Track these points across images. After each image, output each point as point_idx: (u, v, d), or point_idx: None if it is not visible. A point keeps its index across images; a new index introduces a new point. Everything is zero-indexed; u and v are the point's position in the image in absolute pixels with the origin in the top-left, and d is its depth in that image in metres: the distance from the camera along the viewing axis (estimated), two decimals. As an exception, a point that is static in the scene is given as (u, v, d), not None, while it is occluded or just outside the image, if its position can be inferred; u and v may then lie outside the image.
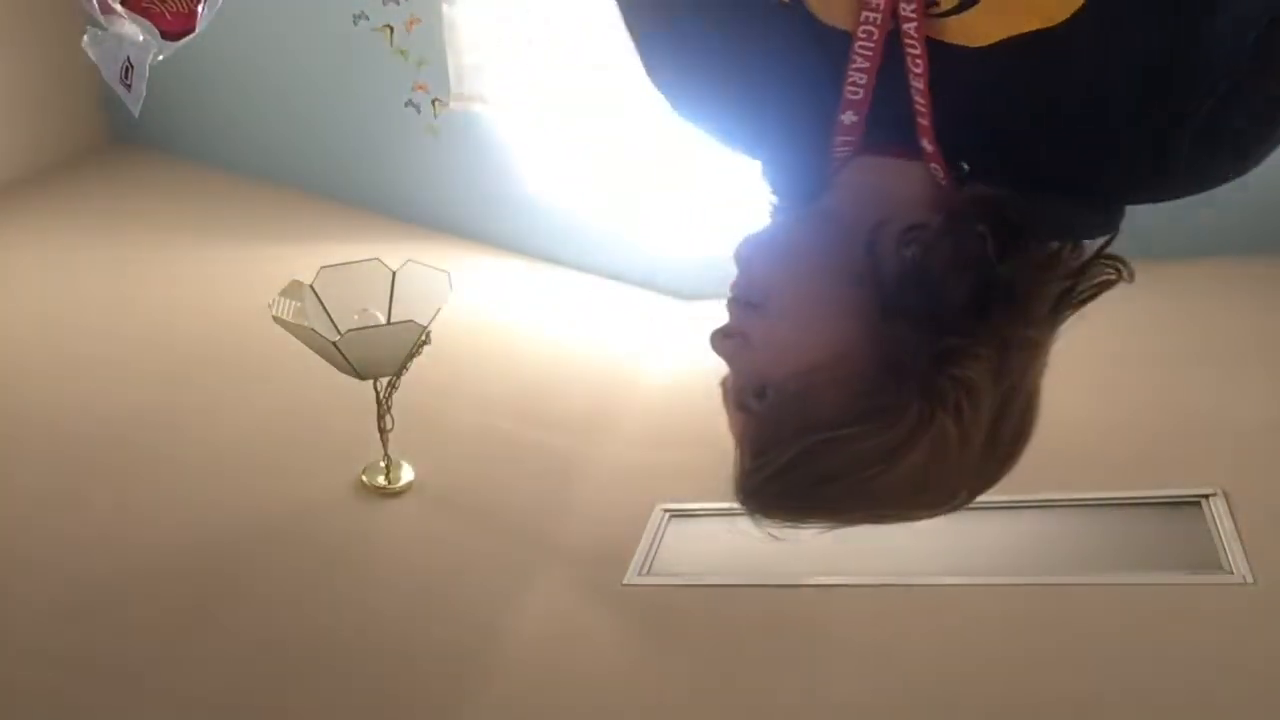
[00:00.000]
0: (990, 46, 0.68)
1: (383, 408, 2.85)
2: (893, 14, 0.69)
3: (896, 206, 0.73)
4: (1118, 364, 3.18)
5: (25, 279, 3.68)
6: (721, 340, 0.76)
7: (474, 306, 3.53)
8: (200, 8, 0.91)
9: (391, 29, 3.89)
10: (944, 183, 0.73)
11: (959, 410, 0.68)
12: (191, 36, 0.93)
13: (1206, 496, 2.58)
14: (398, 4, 3.89)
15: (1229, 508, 2.54)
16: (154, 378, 3.23)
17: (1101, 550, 2.59)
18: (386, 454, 2.91)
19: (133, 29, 0.89)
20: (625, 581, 2.70)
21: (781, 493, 0.74)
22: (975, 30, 0.68)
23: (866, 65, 0.72)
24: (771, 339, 0.73)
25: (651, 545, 2.79)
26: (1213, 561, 2.44)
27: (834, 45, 0.73)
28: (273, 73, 4.28)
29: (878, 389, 0.69)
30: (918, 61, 0.70)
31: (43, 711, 2.24)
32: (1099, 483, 2.70)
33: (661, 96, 0.85)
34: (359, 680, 2.41)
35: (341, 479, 2.95)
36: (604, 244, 4.08)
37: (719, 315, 0.78)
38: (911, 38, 0.69)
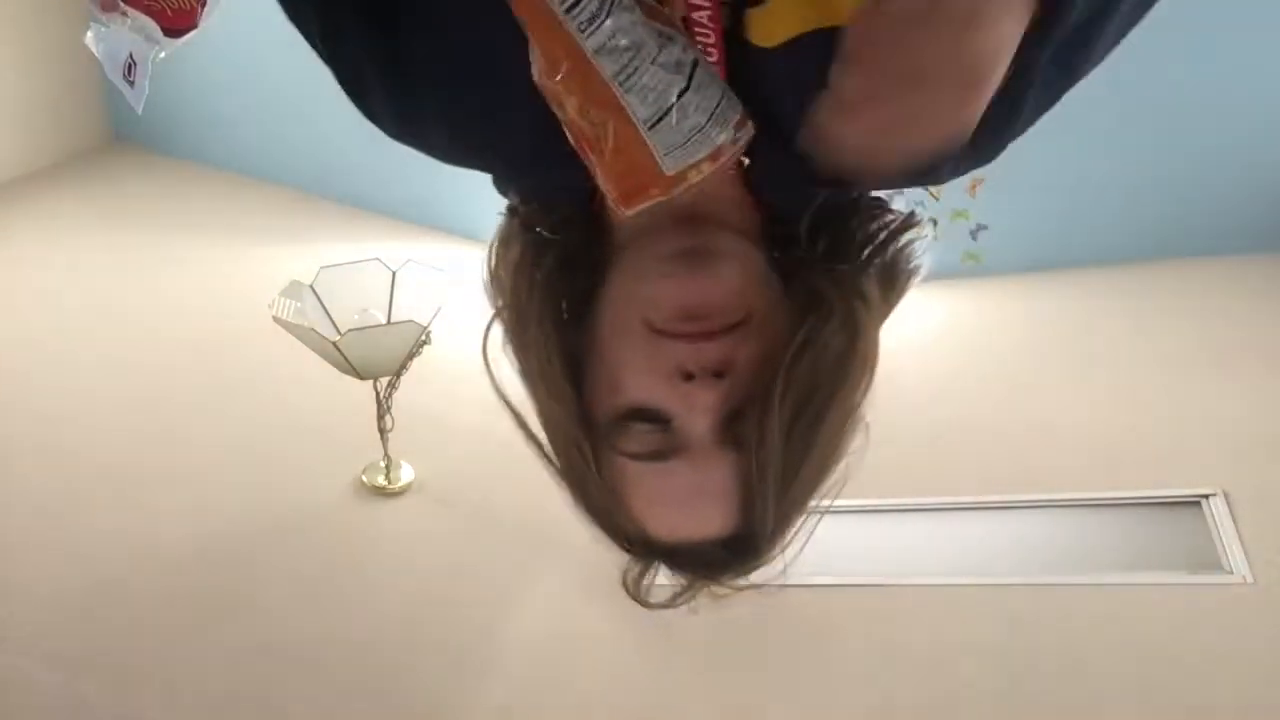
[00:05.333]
0: (779, 46, 0.67)
1: (383, 408, 2.85)
2: (683, 4, 0.67)
3: (705, 196, 0.71)
4: (1118, 365, 3.19)
5: (26, 278, 3.68)
6: (712, 388, 0.68)
7: (474, 306, 3.53)
8: (201, 5, 0.92)
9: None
10: (731, 171, 0.72)
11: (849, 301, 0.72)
12: (193, 33, 0.93)
13: (1206, 496, 2.58)
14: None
15: (1229, 508, 2.54)
16: (154, 377, 3.23)
17: (1101, 550, 2.59)
18: (386, 454, 2.91)
19: (135, 26, 0.89)
20: (625, 581, 2.69)
21: (792, 454, 0.70)
22: (764, 30, 0.67)
23: None
24: (762, 349, 0.69)
25: (651, 545, 2.78)
26: (1213, 561, 2.44)
27: None
28: (273, 73, 4.28)
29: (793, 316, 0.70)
30: (710, 51, 0.67)
31: (43, 711, 2.24)
32: (1099, 483, 2.70)
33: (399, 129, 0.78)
34: (359, 680, 2.41)
35: (341, 479, 2.95)
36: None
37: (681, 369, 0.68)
38: (705, 27, 0.66)
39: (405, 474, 2.96)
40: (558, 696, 2.44)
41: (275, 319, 2.68)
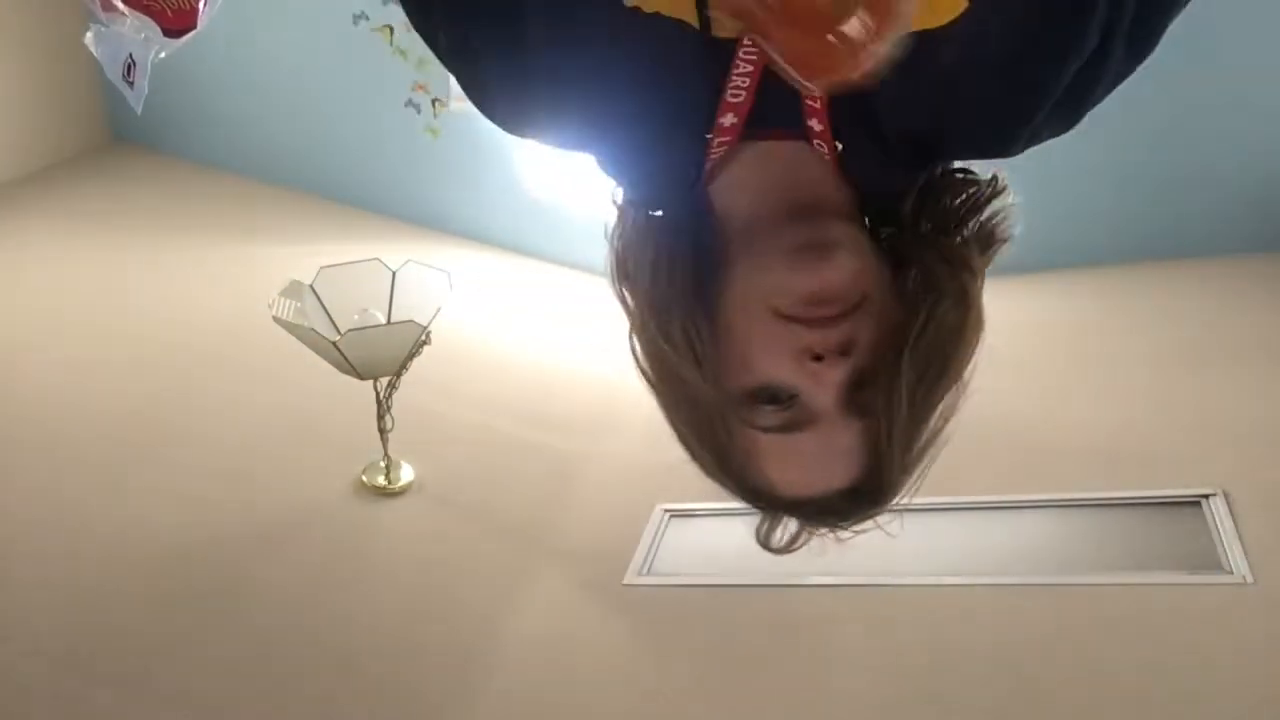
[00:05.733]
0: None
1: (383, 408, 2.85)
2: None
3: (810, 185, 0.79)
4: (1118, 364, 3.19)
5: (25, 278, 3.68)
6: (838, 366, 0.74)
7: (474, 306, 3.53)
8: (201, 5, 0.92)
9: (391, 29, 3.89)
10: (829, 158, 0.78)
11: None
12: (193, 34, 0.93)
13: (1206, 496, 2.58)
14: (398, 4, 3.89)
15: (1229, 508, 2.54)
16: (154, 377, 3.23)
17: (1101, 550, 2.59)
18: (386, 454, 2.91)
19: (135, 27, 0.89)
20: (625, 581, 2.70)
21: (915, 415, 0.77)
22: None
23: (751, 69, 0.75)
24: (878, 323, 0.75)
25: (651, 545, 2.79)
26: (1213, 561, 2.44)
27: (692, 45, 0.75)
28: (273, 73, 4.28)
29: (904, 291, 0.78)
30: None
31: (43, 711, 2.24)
32: (1099, 483, 2.70)
33: (501, 116, 0.82)
34: (359, 679, 2.41)
35: (341, 479, 2.95)
36: (604, 243, 4.09)
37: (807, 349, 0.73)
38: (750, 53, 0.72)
39: (405, 474, 2.96)
40: (558, 696, 2.44)
41: (275, 319, 2.68)
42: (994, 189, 0.82)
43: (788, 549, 0.88)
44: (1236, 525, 2.49)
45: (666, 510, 2.86)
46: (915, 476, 0.82)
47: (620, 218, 0.86)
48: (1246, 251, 3.51)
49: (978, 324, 0.80)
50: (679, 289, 0.80)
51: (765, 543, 0.88)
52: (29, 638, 2.38)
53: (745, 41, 0.74)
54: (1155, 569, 2.49)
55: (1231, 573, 2.39)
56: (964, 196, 0.81)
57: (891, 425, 0.76)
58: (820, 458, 0.79)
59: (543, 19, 0.75)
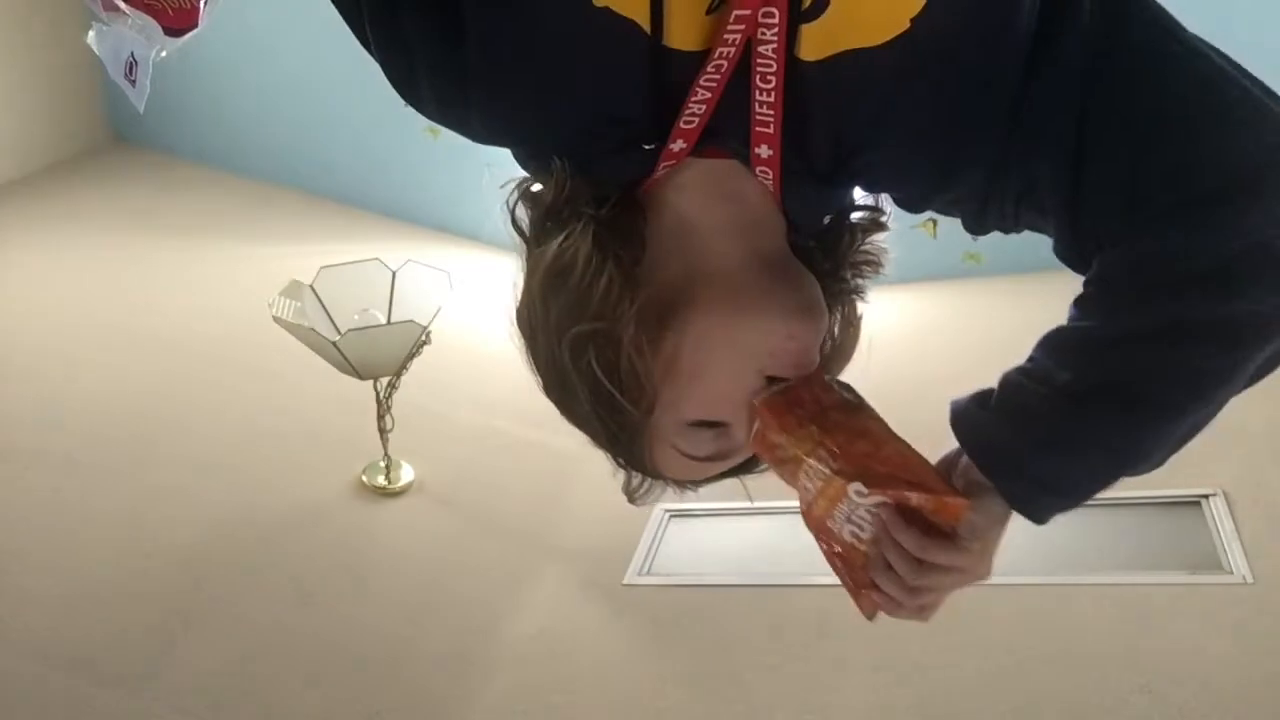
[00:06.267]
0: (821, 60, 0.72)
1: (383, 408, 2.85)
2: (747, 38, 0.71)
3: (752, 203, 0.79)
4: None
5: (26, 278, 3.68)
6: None
7: (474, 306, 3.53)
8: (202, 4, 0.92)
9: (392, 29, 3.88)
10: (771, 185, 0.78)
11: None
12: (194, 33, 0.93)
13: (1206, 496, 2.58)
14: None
15: (1229, 508, 2.54)
16: (154, 377, 3.23)
17: (1101, 550, 2.59)
18: (386, 454, 2.91)
19: (136, 25, 0.89)
20: (625, 581, 2.70)
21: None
22: (811, 47, 0.71)
23: (709, 96, 0.73)
24: None
25: (651, 545, 2.79)
26: (1213, 561, 2.44)
27: (640, 52, 0.72)
28: (273, 73, 4.28)
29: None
30: (769, 78, 0.72)
31: (43, 710, 2.24)
32: (1099, 483, 2.70)
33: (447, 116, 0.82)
34: (359, 679, 2.41)
35: (341, 479, 2.95)
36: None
37: None
38: (768, 58, 0.71)
39: (405, 474, 2.96)
40: (558, 696, 2.44)
41: (275, 319, 2.68)
42: (875, 220, 0.85)
43: (644, 498, 0.93)
44: (1236, 525, 2.49)
45: (666, 510, 2.86)
46: None
47: (536, 200, 0.82)
48: (1246, 252, 3.51)
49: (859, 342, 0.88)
50: (618, 290, 0.76)
51: (629, 494, 0.93)
52: (30, 637, 2.38)
53: (708, 69, 0.72)
54: (1155, 569, 2.49)
55: (1231, 573, 2.39)
56: (854, 226, 0.84)
57: None
58: (718, 466, 0.84)
59: (485, 6, 0.72)
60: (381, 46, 0.78)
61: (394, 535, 2.85)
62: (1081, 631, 2.36)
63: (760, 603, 2.59)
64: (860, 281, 0.86)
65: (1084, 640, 2.33)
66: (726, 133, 0.76)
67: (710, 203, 0.79)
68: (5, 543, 2.60)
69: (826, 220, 0.83)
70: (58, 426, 2.99)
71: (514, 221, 0.83)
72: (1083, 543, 2.62)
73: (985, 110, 0.71)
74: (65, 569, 2.55)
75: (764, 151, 0.75)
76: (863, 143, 0.76)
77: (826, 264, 0.83)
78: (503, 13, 0.72)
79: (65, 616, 2.44)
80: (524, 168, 0.84)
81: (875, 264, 0.85)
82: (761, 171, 0.77)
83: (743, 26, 0.70)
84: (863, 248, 0.84)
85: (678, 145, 0.76)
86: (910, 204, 0.80)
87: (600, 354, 0.76)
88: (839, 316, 0.84)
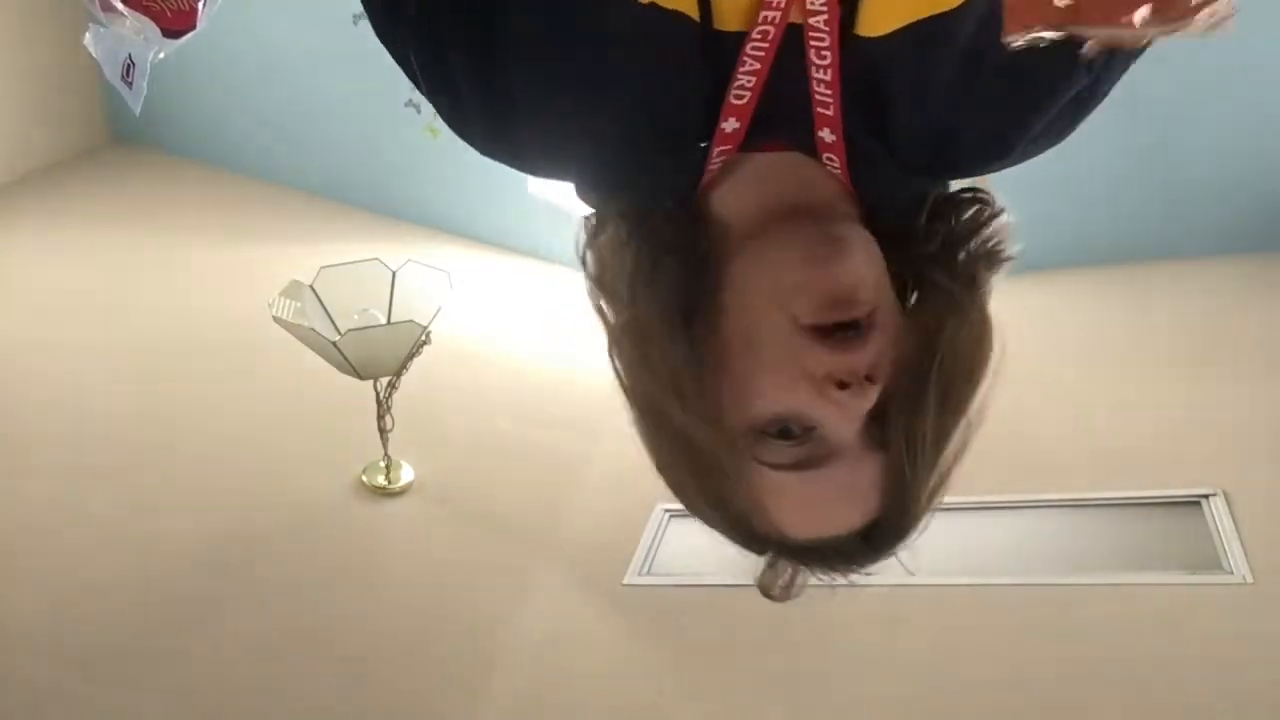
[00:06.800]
0: (885, 36, 0.68)
1: (383, 408, 2.85)
2: (792, 4, 0.67)
3: (818, 191, 0.72)
4: (1118, 364, 3.19)
5: (25, 278, 3.68)
6: (864, 395, 0.66)
7: (474, 306, 3.53)
8: (201, 5, 0.92)
9: (391, 29, 3.88)
10: (840, 171, 0.72)
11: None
12: (192, 34, 0.93)
13: (1206, 496, 2.58)
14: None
15: (1229, 508, 2.54)
16: (154, 377, 3.23)
17: (1101, 550, 2.59)
18: (386, 454, 2.91)
19: (134, 27, 0.89)
20: (625, 581, 2.70)
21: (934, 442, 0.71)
22: (874, 20, 0.67)
23: (758, 67, 0.69)
24: (893, 345, 0.68)
25: (651, 545, 2.79)
26: (1213, 561, 2.44)
27: (690, 41, 0.69)
28: (273, 73, 4.28)
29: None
30: (824, 54, 0.67)
31: (43, 710, 2.24)
32: (1099, 483, 2.70)
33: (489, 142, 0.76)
34: (359, 679, 2.41)
35: (341, 479, 2.95)
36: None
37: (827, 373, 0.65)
38: (820, 30, 0.67)
39: (405, 474, 2.96)
40: (558, 696, 2.44)
41: (275, 319, 2.68)
42: (994, 208, 0.76)
43: (789, 595, 0.81)
44: (1236, 525, 2.49)
45: (666, 510, 2.86)
46: (934, 510, 0.75)
47: (597, 227, 0.77)
48: (1246, 251, 3.51)
49: (992, 343, 0.74)
50: (663, 308, 0.70)
51: (767, 591, 0.81)
52: (30, 637, 2.38)
53: (754, 35, 0.68)
54: (1155, 569, 2.49)
55: (1231, 573, 2.39)
56: (968, 216, 0.76)
57: (915, 457, 0.69)
58: (838, 496, 0.71)
59: (528, 18, 0.68)
60: (434, 90, 0.74)
61: (394, 535, 2.85)
62: (1081, 632, 2.36)
63: (760, 603, 2.58)
64: (984, 274, 0.75)
65: (1084, 640, 2.33)
66: (789, 120, 0.71)
67: (765, 190, 0.72)
68: (5, 543, 2.60)
69: (918, 203, 0.75)
70: (57, 426, 2.99)
71: (585, 271, 0.77)
72: (1083, 543, 2.62)
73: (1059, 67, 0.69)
74: (64, 569, 2.55)
75: (828, 136, 0.70)
76: (956, 120, 0.71)
77: (930, 249, 0.74)
78: (546, 42, 0.69)
79: (65, 616, 2.44)
80: (585, 200, 0.79)
81: (995, 256, 0.75)
82: (828, 159, 0.72)
83: (799, 11, 0.66)
84: (981, 236, 0.75)
85: (730, 125, 0.71)
86: (1008, 157, 0.76)
87: (647, 361, 0.72)
88: (969, 317, 0.72)
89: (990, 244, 0.75)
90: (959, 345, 0.70)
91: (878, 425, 0.68)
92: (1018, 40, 0.59)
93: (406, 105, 4.00)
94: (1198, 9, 0.55)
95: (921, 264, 0.73)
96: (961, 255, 0.74)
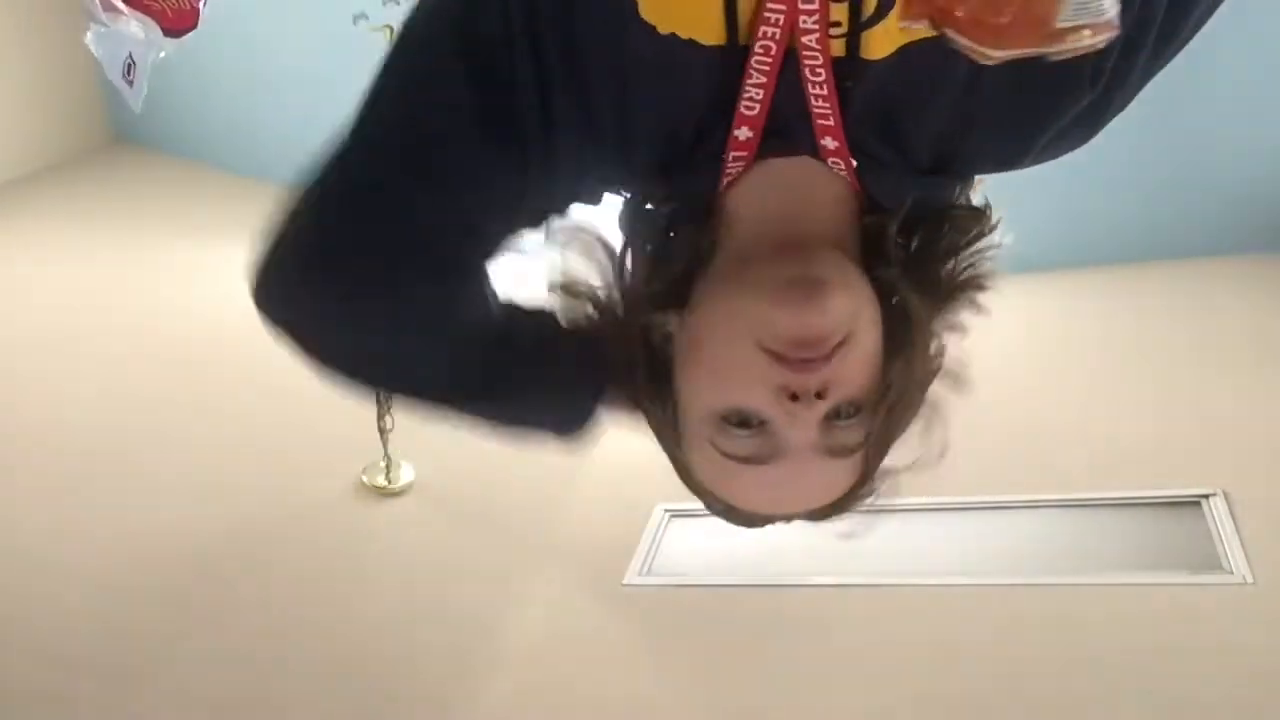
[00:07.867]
0: (886, 57, 0.73)
1: (383, 408, 2.85)
2: (790, 29, 0.71)
3: (819, 207, 0.78)
4: (1118, 364, 3.19)
5: (25, 278, 3.68)
6: (814, 407, 0.73)
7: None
8: (201, 6, 0.92)
9: (391, 29, 3.88)
10: (846, 174, 0.78)
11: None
12: (192, 33, 0.93)
13: (1206, 496, 2.58)
14: (398, 4, 3.89)
15: (1229, 508, 2.54)
16: (153, 377, 3.22)
17: (1101, 550, 2.59)
18: (386, 454, 2.90)
19: (135, 27, 0.89)
20: (625, 581, 2.70)
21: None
22: (877, 45, 0.72)
23: (764, 79, 0.74)
24: (859, 358, 0.74)
25: (651, 545, 2.79)
26: (1213, 561, 2.44)
27: (706, 59, 0.73)
28: (273, 73, 4.28)
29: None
30: (819, 70, 0.73)
31: (43, 711, 2.24)
32: (1099, 483, 2.70)
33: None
34: (359, 679, 2.41)
35: (341, 479, 2.95)
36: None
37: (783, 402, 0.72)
38: (813, 49, 0.72)
39: (405, 474, 2.96)
40: (558, 696, 2.44)
41: (275, 319, 2.68)
42: (985, 226, 0.82)
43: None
44: (1236, 525, 2.49)
45: (666, 510, 2.86)
46: (867, 494, 0.83)
47: (637, 215, 0.85)
48: (1246, 251, 3.51)
49: (941, 367, 0.81)
50: (660, 289, 0.79)
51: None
52: (30, 637, 2.38)
53: (756, 51, 0.72)
54: (1155, 569, 2.49)
55: (1231, 573, 2.39)
56: (958, 232, 0.82)
57: (867, 462, 0.78)
58: (784, 491, 0.79)
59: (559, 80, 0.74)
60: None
61: (394, 535, 2.84)
62: (1081, 632, 2.36)
63: (760, 603, 2.59)
64: (957, 297, 0.82)
65: (1084, 641, 2.33)
66: (796, 129, 0.76)
67: (771, 199, 0.79)
68: (5, 542, 2.60)
69: (924, 205, 0.80)
70: (57, 425, 2.98)
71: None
72: (1083, 543, 2.62)
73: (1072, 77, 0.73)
74: (64, 569, 2.55)
75: (830, 143, 0.76)
76: (964, 127, 0.77)
77: (913, 255, 0.80)
78: (575, 91, 0.75)
79: (64, 616, 2.44)
80: (625, 230, 0.85)
81: (975, 280, 0.82)
82: (834, 163, 0.78)
83: (782, 8, 0.70)
84: (966, 255, 0.82)
85: (743, 133, 0.76)
86: (1025, 157, 0.81)
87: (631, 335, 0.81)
88: (927, 340, 0.79)
89: (969, 269, 0.82)
90: (914, 370, 0.78)
91: (836, 431, 0.75)
92: (909, 25, 0.65)
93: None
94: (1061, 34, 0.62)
95: (899, 280, 0.78)
96: (942, 273, 0.81)
